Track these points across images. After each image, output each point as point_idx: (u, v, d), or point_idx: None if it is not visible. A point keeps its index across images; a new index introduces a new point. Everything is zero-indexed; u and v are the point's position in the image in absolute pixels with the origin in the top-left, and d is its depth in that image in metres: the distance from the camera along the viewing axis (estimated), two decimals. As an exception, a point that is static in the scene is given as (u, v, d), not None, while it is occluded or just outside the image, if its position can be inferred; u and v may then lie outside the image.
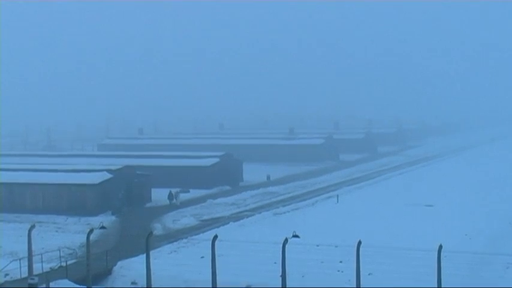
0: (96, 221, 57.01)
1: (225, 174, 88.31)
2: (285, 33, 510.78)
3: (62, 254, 45.55)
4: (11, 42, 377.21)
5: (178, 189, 74.24)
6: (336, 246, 46.44)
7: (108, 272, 43.11)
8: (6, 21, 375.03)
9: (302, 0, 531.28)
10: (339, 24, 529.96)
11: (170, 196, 72.06)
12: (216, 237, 37.38)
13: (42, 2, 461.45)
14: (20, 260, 40.85)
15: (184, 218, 63.60)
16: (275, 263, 38.84)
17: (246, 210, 68.73)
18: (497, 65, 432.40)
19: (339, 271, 41.23)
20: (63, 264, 42.47)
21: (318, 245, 47.05)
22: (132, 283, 41.31)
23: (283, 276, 35.70)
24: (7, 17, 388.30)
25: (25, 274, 39.63)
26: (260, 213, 65.79)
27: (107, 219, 61.86)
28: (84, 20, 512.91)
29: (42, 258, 42.88)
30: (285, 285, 35.63)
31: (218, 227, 58.36)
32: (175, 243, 51.72)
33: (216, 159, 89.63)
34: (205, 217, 65.17)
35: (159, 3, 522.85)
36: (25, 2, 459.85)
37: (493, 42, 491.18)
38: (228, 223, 60.71)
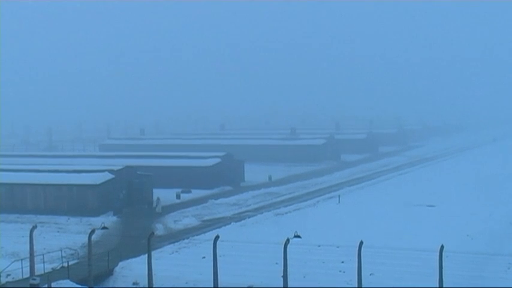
0: (98, 221, 57.06)
1: (226, 175, 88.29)
2: (286, 32, 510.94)
3: (63, 255, 45.63)
4: (12, 43, 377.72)
5: (159, 196, 71.58)
6: (338, 247, 46.46)
7: (109, 273, 43.15)
8: (7, 21, 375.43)
9: (304, 0, 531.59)
10: (341, 24, 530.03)
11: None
12: (217, 237, 37.38)
13: (44, 2, 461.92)
14: (21, 260, 40.89)
15: (186, 219, 63.59)
16: (276, 263, 38.84)
17: (248, 211, 68.70)
18: (499, 65, 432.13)
19: (340, 271, 41.21)
20: (65, 264, 42.52)
21: (319, 245, 47.08)
22: (134, 283, 41.34)
23: (285, 276, 35.68)
24: (8, 17, 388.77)
25: (27, 274, 39.64)
26: (262, 213, 65.74)
27: (108, 219, 61.93)
28: (85, 20, 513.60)
29: (43, 258, 42.98)
30: (287, 285, 35.61)
31: (220, 227, 58.39)
32: (176, 243, 51.74)
33: (218, 160, 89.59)
34: (206, 217, 65.16)
35: (160, 3, 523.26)
36: (26, 2, 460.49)
37: (495, 42, 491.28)
38: (230, 223, 60.73)
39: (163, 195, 74.04)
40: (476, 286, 37.79)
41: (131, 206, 69.44)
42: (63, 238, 54.63)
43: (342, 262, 42.46)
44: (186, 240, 52.58)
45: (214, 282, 36.62)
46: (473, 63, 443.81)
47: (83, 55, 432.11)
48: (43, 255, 43.50)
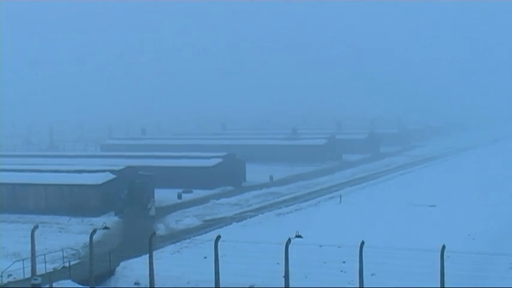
0: (99, 221, 57.08)
1: (227, 175, 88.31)
2: (286, 32, 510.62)
3: (65, 255, 45.66)
4: (13, 42, 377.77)
5: (153, 199, 70.64)
6: (339, 247, 46.46)
7: (111, 273, 43.18)
8: (8, 20, 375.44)
9: (304, 0, 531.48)
10: (341, 24, 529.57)
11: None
12: (219, 237, 37.38)
13: (44, 2, 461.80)
14: (23, 260, 40.89)
15: (187, 219, 63.61)
16: (278, 263, 38.83)
17: (249, 211, 68.72)
18: (500, 64, 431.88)
19: (341, 271, 41.21)
20: (66, 264, 42.54)
21: (320, 246, 47.09)
22: (135, 283, 41.36)
23: (286, 276, 35.69)
24: (9, 17, 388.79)
25: (28, 274, 39.69)
26: (263, 213, 65.75)
27: (109, 219, 61.95)
28: (85, 20, 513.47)
29: (45, 258, 42.99)
30: (288, 285, 35.62)
31: (221, 227, 58.40)
32: (178, 243, 51.76)
33: (219, 160, 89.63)
34: (208, 217, 65.18)
35: (160, 3, 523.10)
36: (26, 2, 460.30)
37: (495, 42, 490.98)
38: (231, 223, 60.75)
39: (165, 195, 74.17)
40: (478, 286, 37.77)
41: (132, 206, 69.42)
42: (65, 238, 54.66)
43: (344, 262, 42.46)
44: (187, 240, 52.58)
45: (215, 282, 36.62)
46: (473, 63, 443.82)
47: (84, 55, 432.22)
48: (44, 255, 43.49)
